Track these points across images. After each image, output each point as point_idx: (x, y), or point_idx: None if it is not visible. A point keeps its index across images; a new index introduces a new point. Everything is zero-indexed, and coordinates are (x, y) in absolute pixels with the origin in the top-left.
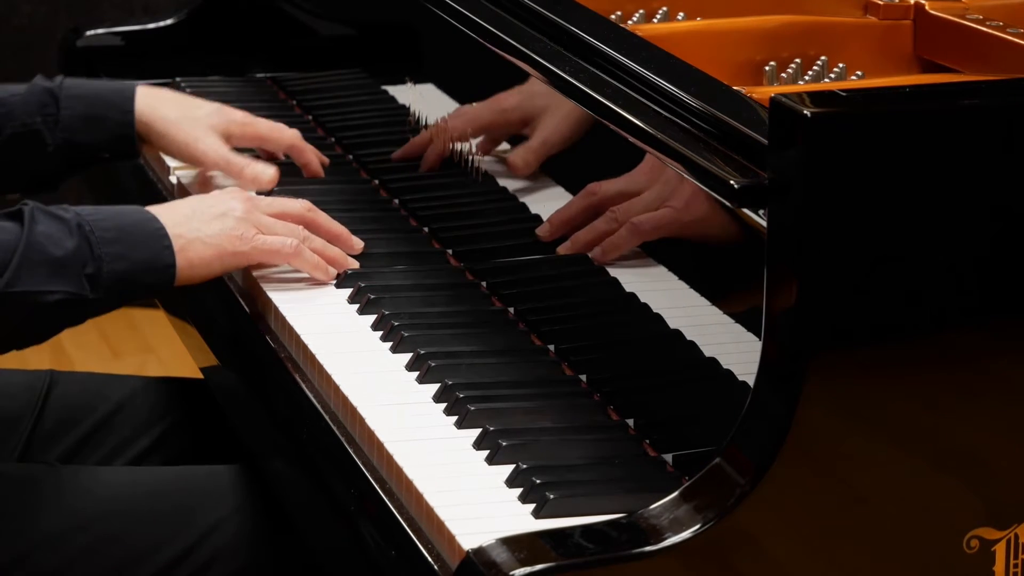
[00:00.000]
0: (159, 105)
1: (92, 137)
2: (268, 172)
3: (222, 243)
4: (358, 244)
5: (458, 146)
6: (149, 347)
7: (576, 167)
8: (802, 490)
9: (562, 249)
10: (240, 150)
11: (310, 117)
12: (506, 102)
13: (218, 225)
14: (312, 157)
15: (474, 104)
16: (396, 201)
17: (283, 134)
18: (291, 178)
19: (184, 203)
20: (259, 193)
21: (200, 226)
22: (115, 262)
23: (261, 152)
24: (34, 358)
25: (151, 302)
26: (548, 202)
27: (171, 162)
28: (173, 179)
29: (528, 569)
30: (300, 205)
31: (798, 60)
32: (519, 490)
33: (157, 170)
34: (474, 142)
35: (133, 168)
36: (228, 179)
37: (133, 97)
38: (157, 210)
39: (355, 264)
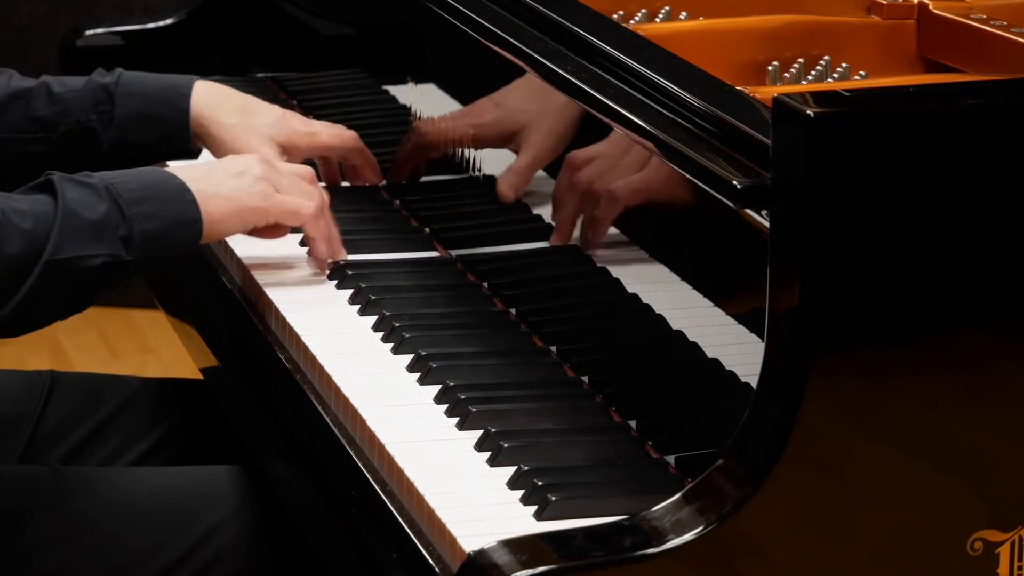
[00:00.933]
0: (218, 107)
1: (146, 136)
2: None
3: (241, 198)
4: (342, 252)
5: (459, 147)
6: (149, 348)
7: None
8: (805, 492)
9: (554, 240)
10: None
11: (311, 117)
12: (483, 117)
13: (235, 182)
14: (366, 161)
15: (448, 114)
16: (397, 202)
17: (345, 140)
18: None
19: (202, 164)
20: None
21: (219, 182)
22: (145, 222)
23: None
24: (34, 359)
25: (151, 302)
26: (549, 203)
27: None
28: None
29: (530, 571)
30: (317, 192)
31: (801, 60)
32: (521, 492)
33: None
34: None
35: None
36: None
37: (189, 95)
38: (175, 169)
39: (345, 255)
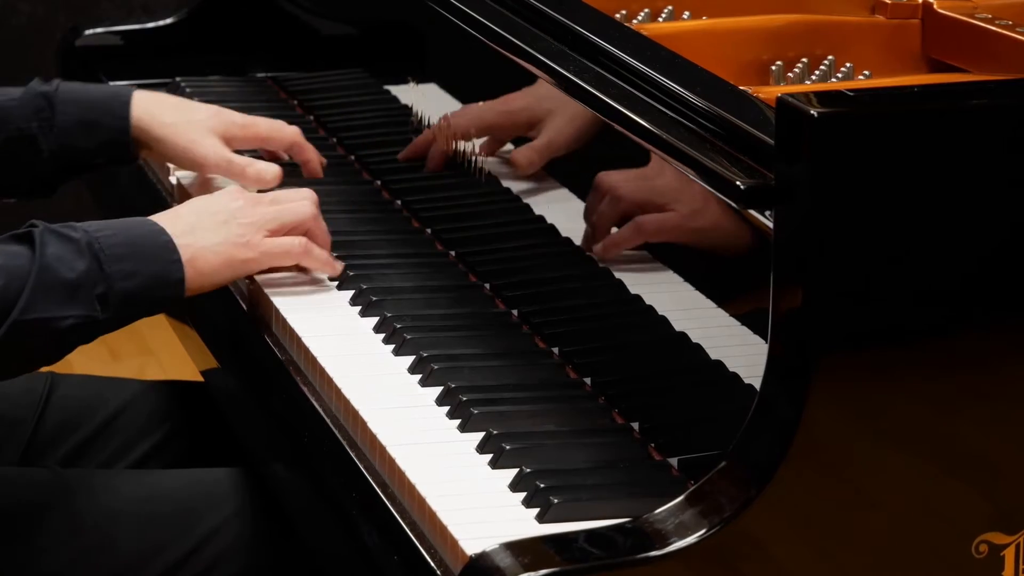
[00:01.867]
0: (157, 110)
1: (87, 143)
2: (271, 170)
3: (230, 251)
4: (338, 267)
5: (461, 147)
6: (149, 349)
7: (580, 168)
8: (809, 494)
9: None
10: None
11: (311, 117)
12: (514, 103)
13: (223, 232)
14: (312, 155)
15: (480, 103)
16: (399, 202)
17: (284, 133)
18: (292, 179)
19: (188, 209)
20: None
21: (206, 235)
22: (125, 280)
23: (263, 153)
24: None
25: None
26: (552, 203)
27: (172, 165)
28: (173, 180)
29: (531, 574)
30: (307, 192)
31: (805, 59)
32: (523, 494)
33: (157, 171)
34: (477, 142)
35: (133, 170)
36: (229, 181)
37: (129, 102)
38: (163, 220)
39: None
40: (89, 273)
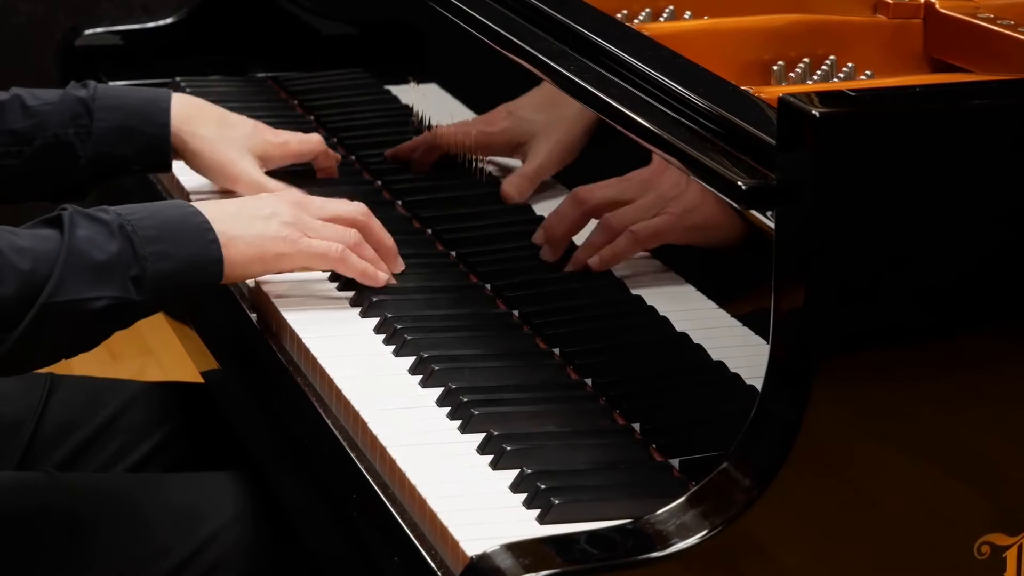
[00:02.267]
0: (195, 121)
1: (125, 150)
2: None
3: (265, 244)
4: (400, 266)
5: (470, 152)
6: (149, 351)
7: (581, 168)
8: (811, 495)
9: (568, 269)
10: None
11: (312, 118)
12: (495, 125)
13: (262, 226)
14: (332, 162)
15: (465, 121)
16: (399, 203)
17: (312, 145)
18: (299, 180)
19: (231, 202)
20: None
21: (245, 224)
22: (160, 262)
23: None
24: None
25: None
26: (553, 203)
27: (182, 178)
28: (183, 183)
29: (532, 575)
30: (355, 208)
31: (806, 59)
32: (524, 495)
33: (164, 179)
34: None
35: (140, 181)
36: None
37: (168, 109)
38: (203, 206)
39: (394, 283)
40: (121, 254)
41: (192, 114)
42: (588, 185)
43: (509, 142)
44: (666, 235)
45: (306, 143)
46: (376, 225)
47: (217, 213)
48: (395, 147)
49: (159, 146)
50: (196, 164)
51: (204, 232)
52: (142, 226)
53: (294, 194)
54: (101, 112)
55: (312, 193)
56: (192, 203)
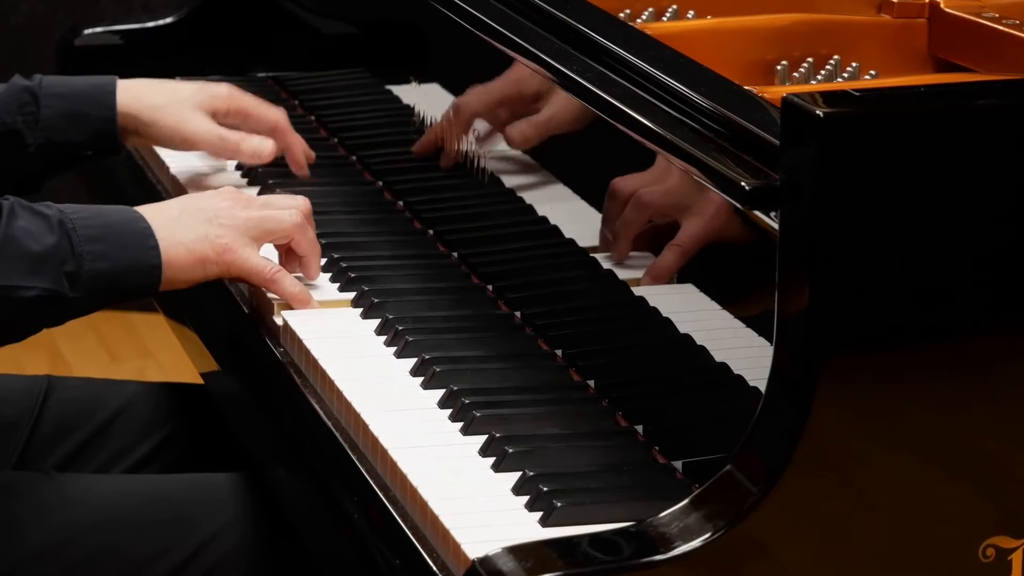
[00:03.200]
0: (142, 95)
1: (74, 135)
2: (266, 145)
3: (205, 250)
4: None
5: (465, 147)
6: (148, 351)
7: (583, 168)
8: (815, 497)
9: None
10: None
11: (312, 117)
12: (521, 71)
13: (203, 230)
14: (294, 140)
15: (483, 85)
16: (401, 203)
17: (269, 110)
18: (292, 180)
19: (174, 203)
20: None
21: (185, 231)
22: (97, 261)
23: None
24: (31, 363)
25: (150, 305)
26: (555, 203)
27: (168, 160)
28: (170, 175)
29: None
30: (299, 201)
31: (810, 59)
32: (526, 498)
33: (155, 168)
34: (478, 143)
35: (129, 165)
36: (222, 177)
37: (114, 91)
38: (145, 210)
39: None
40: (58, 248)
41: (136, 89)
42: (649, 189)
43: (538, 89)
44: (704, 240)
45: (262, 104)
46: (311, 222)
47: (159, 219)
48: (420, 141)
49: (107, 128)
50: (152, 134)
51: (145, 238)
52: (83, 224)
53: (235, 192)
54: (48, 99)
55: (311, 195)
56: (136, 208)
